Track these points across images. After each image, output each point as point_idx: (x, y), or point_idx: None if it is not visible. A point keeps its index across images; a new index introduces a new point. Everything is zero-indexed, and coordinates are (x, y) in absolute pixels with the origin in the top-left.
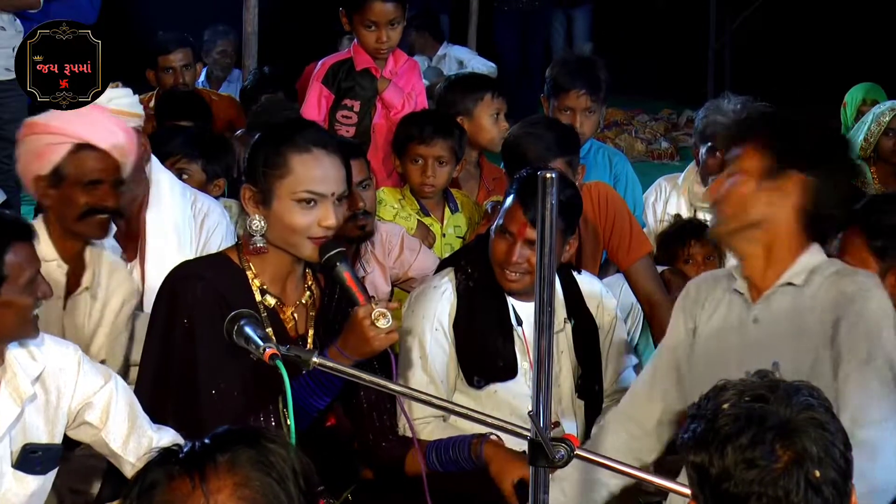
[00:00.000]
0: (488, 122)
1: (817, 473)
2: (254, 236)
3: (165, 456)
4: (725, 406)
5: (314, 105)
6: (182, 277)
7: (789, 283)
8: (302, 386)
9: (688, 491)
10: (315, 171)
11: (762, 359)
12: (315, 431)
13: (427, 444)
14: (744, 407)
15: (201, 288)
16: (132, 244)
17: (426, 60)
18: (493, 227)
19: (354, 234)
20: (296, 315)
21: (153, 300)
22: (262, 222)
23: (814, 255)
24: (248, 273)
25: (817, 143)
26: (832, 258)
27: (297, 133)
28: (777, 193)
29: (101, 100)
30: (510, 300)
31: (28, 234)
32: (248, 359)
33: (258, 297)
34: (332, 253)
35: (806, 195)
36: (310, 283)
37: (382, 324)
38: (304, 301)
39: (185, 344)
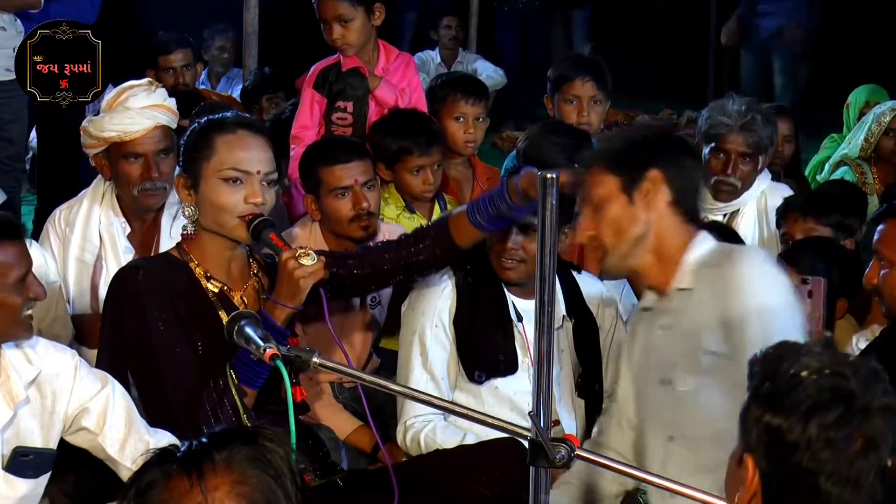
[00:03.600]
0: (451, 125)
1: (889, 462)
2: (186, 223)
3: (162, 456)
4: (805, 374)
5: (307, 111)
6: (125, 270)
7: (680, 289)
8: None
9: (691, 493)
10: (239, 150)
11: (666, 363)
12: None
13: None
14: (829, 381)
15: (143, 274)
16: (146, 246)
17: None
18: None
19: (357, 234)
20: (245, 299)
21: None
22: (193, 208)
23: (700, 247)
24: (191, 264)
25: (649, 139)
26: (721, 245)
27: (223, 118)
28: (645, 198)
29: (158, 98)
30: (510, 297)
31: (17, 233)
32: (197, 331)
33: (204, 284)
34: (258, 221)
35: (667, 185)
36: (256, 270)
37: (307, 261)
38: (251, 284)
39: (137, 326)
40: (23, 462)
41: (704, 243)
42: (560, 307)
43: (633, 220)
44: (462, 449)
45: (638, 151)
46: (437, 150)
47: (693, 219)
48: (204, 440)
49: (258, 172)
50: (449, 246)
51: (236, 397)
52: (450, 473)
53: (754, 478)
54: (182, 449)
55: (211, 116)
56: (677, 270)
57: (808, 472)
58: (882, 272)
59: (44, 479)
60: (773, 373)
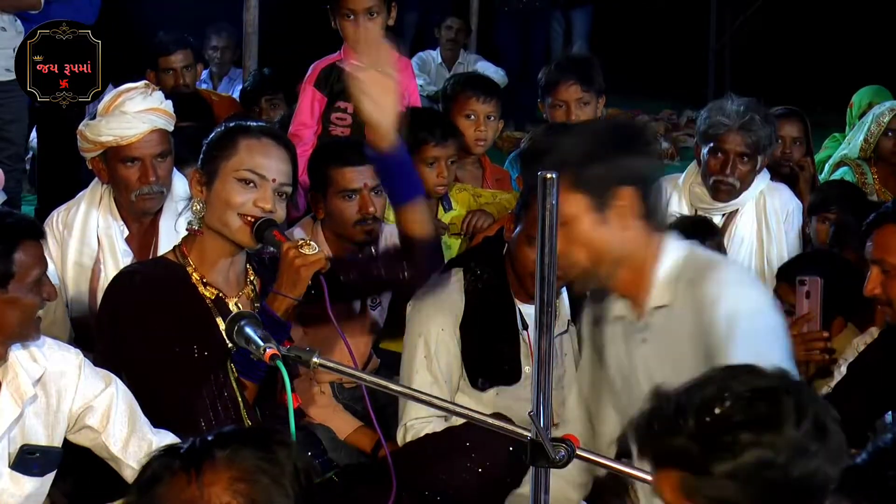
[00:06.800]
0: (461, 122)
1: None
2: (191, 219)
3: (167, 452)
4: (720, 408)
5: (307, 109)
6: (121, 275)
7: (657, 307)
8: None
9: None
10: (259, 156)
11: (658, 377)
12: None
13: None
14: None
15: (139, 279)
16: (144, 249)
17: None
18: (517, 234)
19: (359, 238)
20: (240, 305)
21: None
22: (202, 204)
23: (669, 257)
24: (188, 269)
25: (610, 150)
26: (691, 252)
27: (251, 124)
28: (617, 215)
29: (155, 101)
30: (517, 304)
31: (37, 233)
32: (193, 336)
33: (201, 290)
34: (261, 221)
35: (635, 198)
36: (251, 277)
37: (308, 251)
38: (246, 292)
39: (133, 332)
40: (29, 460)
41: (674, 252)
42: (565, 312)
43: (609, 241)
44: (449, 431)
45: (605, 167)
46: (453, 143)
47: (660, 226)
48: (209, 438)
49: (273, 180)
50: (414, 247)
51: (236, 391)
52: (438, 456)
53: None
54: (185, 446)
55: (240, 121)
56: (651, 286)
57: (800, 477)
58: (885, 280)
59: (49, 478)
60: (706, 427)
